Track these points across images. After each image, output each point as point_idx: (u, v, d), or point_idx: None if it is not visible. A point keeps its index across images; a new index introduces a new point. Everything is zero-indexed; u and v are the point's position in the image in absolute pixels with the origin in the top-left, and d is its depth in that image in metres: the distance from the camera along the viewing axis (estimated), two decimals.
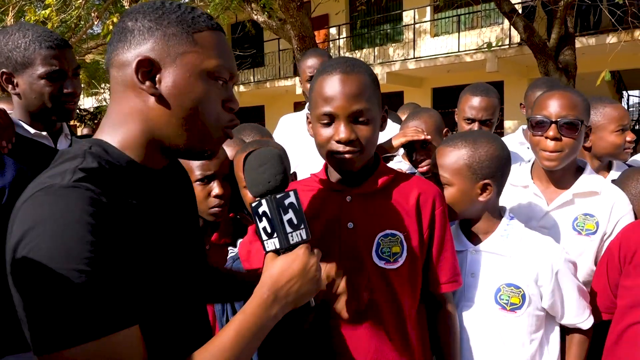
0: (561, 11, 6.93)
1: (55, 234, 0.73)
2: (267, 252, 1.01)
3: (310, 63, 2.72)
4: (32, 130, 1.69)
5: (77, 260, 0.73)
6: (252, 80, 16.53)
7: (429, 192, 1.37)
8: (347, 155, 1.26)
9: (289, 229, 0.96)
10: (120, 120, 0.92)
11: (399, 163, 2.76)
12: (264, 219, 0.97)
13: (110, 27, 7.44)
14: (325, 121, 1.27)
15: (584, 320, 1.55)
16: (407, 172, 2.30)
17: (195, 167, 1.58)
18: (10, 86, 1.66)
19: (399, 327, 1.33)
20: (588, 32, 10.11)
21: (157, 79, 0.88)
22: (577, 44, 8.18)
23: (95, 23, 9.15)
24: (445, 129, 2.16)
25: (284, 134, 2.78)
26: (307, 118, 1.39)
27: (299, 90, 14.33)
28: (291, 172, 1.75)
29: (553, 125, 1.64)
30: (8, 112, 1.65)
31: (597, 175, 1.82)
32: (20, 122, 1.68)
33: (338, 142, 1.25)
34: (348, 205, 1.33)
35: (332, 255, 1.32)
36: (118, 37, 0.90)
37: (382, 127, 1.36)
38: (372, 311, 1.31)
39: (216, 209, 1.60)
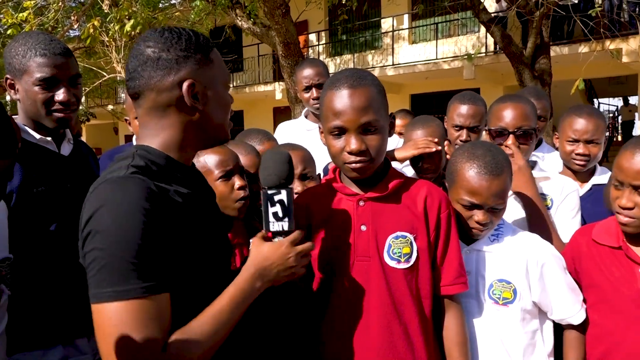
0: (537, 21, 7.13)
1: (116, 212, 0.97)
2: (269, 232, 1.18)
3: (307, 73, 2.81)
4: (37, 136, 1.72)
5: (129, 237, 0.96)
6: (232, 85, 16.49)
7: (435, 195, 1.45)
8: (358, 165, 1.35)
9: (286, 218, 1.16)
10: (161, 130, 1.14)
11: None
12: (278, 204, 1.15)
13: (91, 30, 7.36)
14: (337, 133, 1.35)
15: (574, 314, 1.61)
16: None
17: (214, 167, 1.65)
18: (12, 92, 1.71)
19: (410, 324, 1.39)
20: (561, 42, 10.43)
21: (199, 96, 1.12)
22: (551, 53, 8.42)
23: (75, 27, 9.04)
24: (447, 140, 2.23)
25: (282, 141, 2.84)
26: (320, 129, 1.47)
27: (278, 95, 14.35)
28: (317, 173, 1.87)
29: (511, 136, 1.89)
30: (14, 117, 1.66)
31: (545, 170, 2.08)
32: (26, 127, 1.71)
33: (350, 153, 1.33)
34: (361, 209, 1.41)
35: (346, 256, 1.40)
36: (153, 66, 1.09)
37: (390, 133, 1.43)
38: (386, 310, 1.37)
39: (242, 201, 1.68)
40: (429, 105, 13.09)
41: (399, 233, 1.39)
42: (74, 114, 1.75)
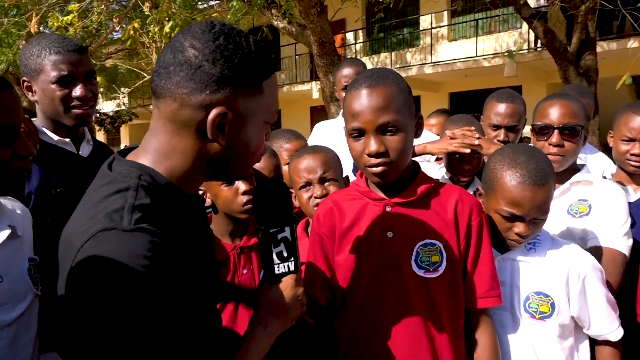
0: (582, 16, 6.88)
1: (121, 281, 0.77)
2: (276, 274, 1.08)
3: (346, 72, 2.80)
4: (55, 137, 1.73)
5: (138, 311, 0.78)
6: None
7: (466, 202, 1.37)
8: (379, 168, 1.28)
9: (292, 257, 1.07)
10: (170, 151, 0.92)
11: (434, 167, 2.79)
12: (282, 243, 1.06)
13: (131, 32, 7.56)
14: (356, 135, 1.30)
15: (613, 331, 1.51)
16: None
17: None
18: (30, 93, 1.71)
19: (438, 337, 1.33)
20: (609, 37, 10.03)
21: (225, 129, 0.90)
22: (598, 49, 8.10)
23: (117, 29, 9.31)
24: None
25: (318, 141, 2.84)
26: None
27: (315, 95, 14.39)
28: (343, 176, 1.84)
29: (556, 132, 1.77)
30: (33, 119, 1.68)
31: (592, 173, 1.94)
32: (44, 129, 1.72)
33: (369, 155, 1.28)
34: (388, 215, 1.35)
35: (372, 264, 1.34)
36: (188, 73, 0.86)
37: (418, 134, 1.36)
38: (412, 320, 1.32)
39: (248, 205, 1.63)
40: (469, 103, 12.84)
41: (427, 241, 1.32)
42: (92, 110, 1.75)
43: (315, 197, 1.70)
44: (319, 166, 1.72)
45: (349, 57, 15.23)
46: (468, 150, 2.07)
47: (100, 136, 24.96)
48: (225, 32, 0.89)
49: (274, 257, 1.06)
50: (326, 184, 1.73)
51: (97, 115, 20.43)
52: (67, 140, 1.75)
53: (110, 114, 20.40)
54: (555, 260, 1.50)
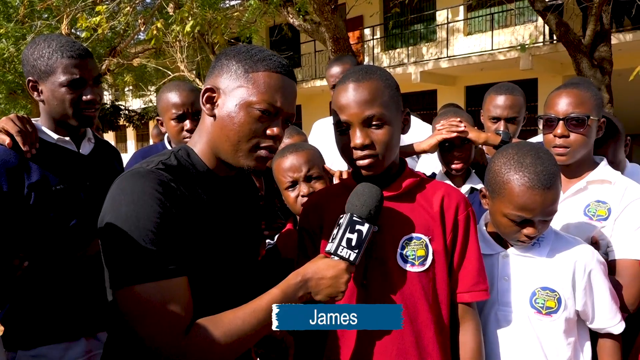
0: (596, 7, 6.89)
1: (132, 202, 1.01)
2: (337, 253, 1.16)
3: (334, 72, 2.76)
4: (55, 136, 1.73)
5: (145, 223, 1.00)
6: None
7: (453, 196, 1.37)
8: (366, 160, 1.29)
9: (357, 250, 1.15)
10: (200, 134, 1.21)
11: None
12: (356, 234, 1.15)
13: (155, 32, 7.87)
14: (343, 129, 1.31)
15: (616, 324, 1.50)
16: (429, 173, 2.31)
17: None
18: (35, 93, 1.72)
19: (424, 332, 1.32)
20: (625, 28, 9.98)
21: (216, 103, 1.15)
22: (614, 40, 8.08)
23: (142, 30, 9.66)
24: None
25: (317, 138, 2.87)
26: None
27: None
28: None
29: (560, 123, 1.71)
30: (33, 119, 1.72)
31: (611, 169, 1.82)
32: (43, 128, 1.73)
33: (354, 147, 1.28)
34: None
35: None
36: (209, 72, 1.19)
37: (404, 130, 1.38)
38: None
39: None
40: None
41: (413, 235, 1.32)
42: (98, 112, 1.78)
43: (303, 196, 1.70)
44: (303, 164, 1.72)
45: (365, 53, 15.38)
46: (454, 135, 2.09)
47: (130, 132, 25.47)
48: (250, 46, 1.19)
49: (344, 240, 1.15)
50: (312, 181, 1.73)
51: (126, 112, 20.97)
52: (67, 138, 1.76)
53: (138, 110, 20.92)
54: (560, 255, 1.49)
